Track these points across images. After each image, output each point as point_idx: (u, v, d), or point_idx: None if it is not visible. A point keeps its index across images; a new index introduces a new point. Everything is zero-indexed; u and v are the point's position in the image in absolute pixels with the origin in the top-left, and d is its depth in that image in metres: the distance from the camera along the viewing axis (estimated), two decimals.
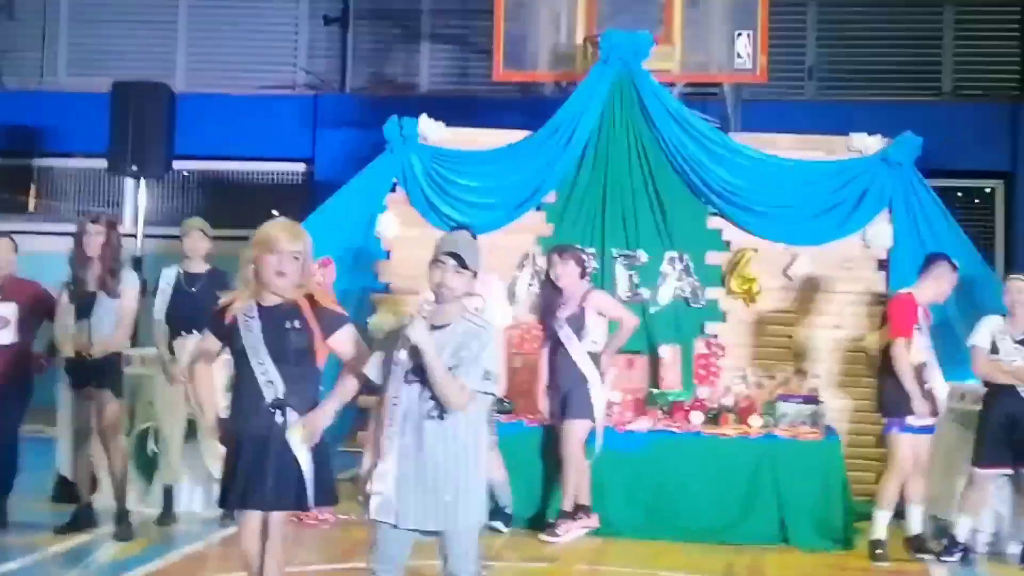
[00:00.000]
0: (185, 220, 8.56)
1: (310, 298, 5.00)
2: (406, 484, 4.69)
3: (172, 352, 8.13)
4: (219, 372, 5.31)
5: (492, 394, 4.74)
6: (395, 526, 4.71)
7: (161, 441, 8.33)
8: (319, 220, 9.72)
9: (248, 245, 4.99)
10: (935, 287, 7.92)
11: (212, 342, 5.14)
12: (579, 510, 8.11)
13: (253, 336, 4.94)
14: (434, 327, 4.69)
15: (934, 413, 7.69)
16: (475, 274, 4.76)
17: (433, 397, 4.65)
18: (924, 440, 7.79)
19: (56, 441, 8.59)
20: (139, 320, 8.30)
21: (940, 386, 7.69)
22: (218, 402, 5.27)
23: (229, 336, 5.01)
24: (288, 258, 4.90)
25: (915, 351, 7.67)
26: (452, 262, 4.69)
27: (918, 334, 7.71)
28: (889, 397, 7.75)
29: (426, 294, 4.82)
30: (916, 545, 7.85)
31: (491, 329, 4.76)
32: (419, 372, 4.65)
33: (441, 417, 4.67)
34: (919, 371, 7.65)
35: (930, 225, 9.75)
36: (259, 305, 4.99)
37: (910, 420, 7.62)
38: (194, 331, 7.67)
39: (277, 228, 4.98)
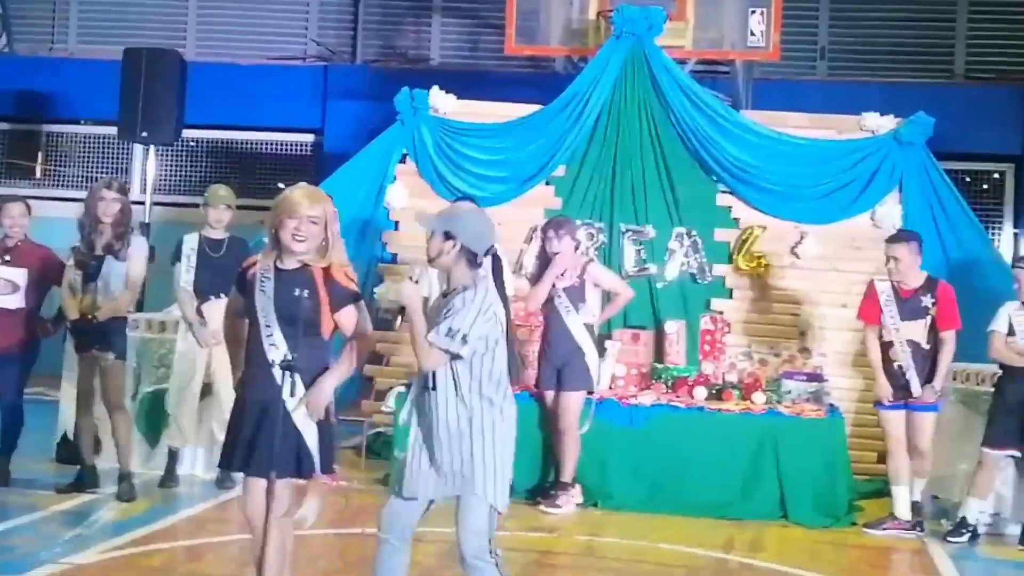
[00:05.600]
0: (211, 190, 8.44)
1: (327, 270, 5.00)
2: (414, 453, 4.79)
3: (201, 316, 8.14)
4: None
5: (453, 353, 4.68)
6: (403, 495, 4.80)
7: (174, 404, 8.33)
8: (328, 190, 9.62)
9: (272, 210, 4.99)
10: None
11: (240, 300, 5.16)
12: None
13: (265, 296, 4.94)
14: (444, 295, 4.81)
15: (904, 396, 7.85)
16: (448, 235, 4.76)
17: None
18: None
19: (60, 403, 8.60)
20: (146, 284, 8.30)
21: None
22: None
23: (248, 293, 5.03)
24: (306, 222, 4.90)
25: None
26: (436, 234, 4.77)
27: (883, 316, 7.88)
28: None
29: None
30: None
31: (476, 290, 4.73)
32: None
33: (433, 388, 4.73)
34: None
35: (942, 206, 9.74)
36: (276, 267, 4.99)
37: None
38: (221, 295, 7.76)
39: (298, 192, 4.99)
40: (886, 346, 7.84)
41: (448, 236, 4.76)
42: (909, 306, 7.81)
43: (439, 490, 4.79)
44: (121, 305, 7.79)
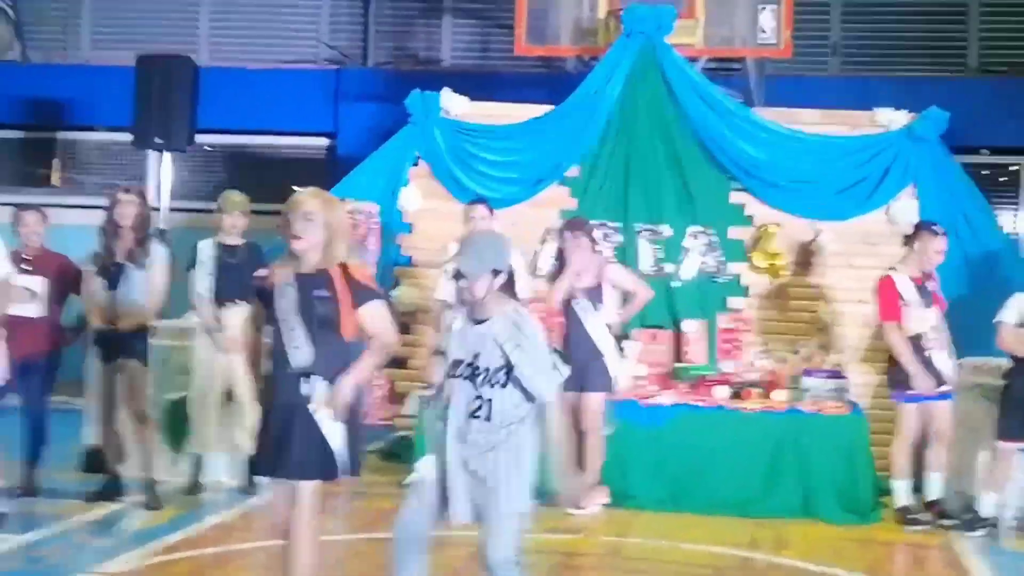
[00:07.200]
0: (225, 196, 8.40)
1: (344, 269, 5.03)
2: (456, 476, 4.80)
3: (219, 322, 8.17)
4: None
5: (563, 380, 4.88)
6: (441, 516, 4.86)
7: (195, 410, 8.35)
8: (341, 194, 9.67)
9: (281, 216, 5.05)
10: (919, 257, 8.03)
11: (259, 310, 5.21)
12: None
13: (286, 302, 5.00)
14: (477, 322, 4.81)
15: (939, 384, 7.86)
16: (495, 271, 4.79)
17: (479, 397, 4.76)
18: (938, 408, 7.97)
19: (83, 413, 8.64)
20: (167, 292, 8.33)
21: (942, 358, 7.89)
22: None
23: (270, 302, 5.08)
24: (300, 219, 4.95)
25: (913, 323, 7.88)
26: (483, 276, 4.77)
27: (910, 308, 7.87)
28: (892, 373, 8.05)
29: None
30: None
31: (525, 315, 4.83)
32: (469, 370, 4.78)
33: (488, 419, 4.76)
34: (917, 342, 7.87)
35: (957, 201, 9.71)
36: (296, 273, 5.05)
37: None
38: (238, 301, 7.83)
39: (299, 193, 5.07)
40: (913, 339, 7.86)
41: (496, 272, 4.80)
42: (926, 293, 7.94)
43: (471, 513, 4.83)
44: (146, 314, 7.83)
